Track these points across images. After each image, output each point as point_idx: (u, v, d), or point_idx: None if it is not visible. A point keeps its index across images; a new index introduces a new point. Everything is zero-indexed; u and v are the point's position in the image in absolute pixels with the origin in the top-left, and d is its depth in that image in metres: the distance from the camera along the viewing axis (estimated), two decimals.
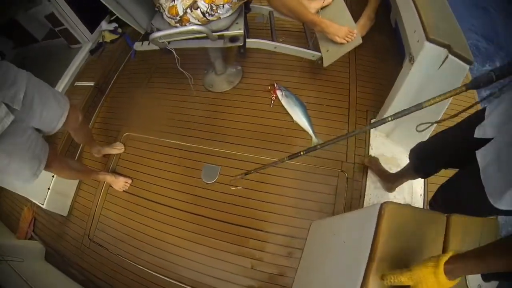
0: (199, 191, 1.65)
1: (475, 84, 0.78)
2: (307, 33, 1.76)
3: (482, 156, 0.80)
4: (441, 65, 1.18)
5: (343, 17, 1.62)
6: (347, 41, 1.55)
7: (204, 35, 1.41)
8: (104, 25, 2.36)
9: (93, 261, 1.67)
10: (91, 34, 2.36)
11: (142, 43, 1.59)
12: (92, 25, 2.36)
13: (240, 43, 1.45)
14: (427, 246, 0.73)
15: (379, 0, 1.86)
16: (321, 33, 1.64)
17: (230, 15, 1.40)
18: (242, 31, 1.46)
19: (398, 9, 1.71)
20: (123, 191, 1.74)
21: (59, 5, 2.22)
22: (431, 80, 1.26)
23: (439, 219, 0.78)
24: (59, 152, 1.81)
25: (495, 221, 0.84)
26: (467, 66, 1.14)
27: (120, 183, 1.71)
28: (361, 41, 1.57)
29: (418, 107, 0.84)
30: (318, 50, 1.68)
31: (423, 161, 1.16)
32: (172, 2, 1.33)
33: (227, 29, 1.46)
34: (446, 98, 0.82)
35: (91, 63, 2.30)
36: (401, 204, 0.78)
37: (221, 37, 1.48)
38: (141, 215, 1.67)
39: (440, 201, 1.06)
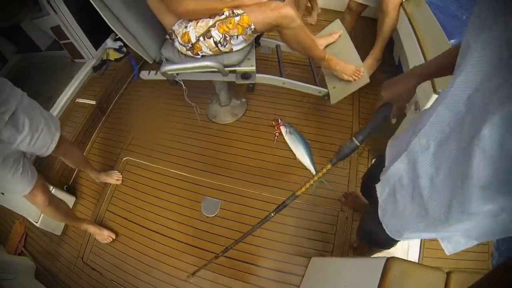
0: (198, 224, 1.64)
1: (342, 155, 0.83)
2: (313, 69, 1.76)
3: (379, 190, 0.73)
4: None
5: (350, 55, 1.64)
6: (354, 79, 1.57)
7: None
8: (109, 42, 2.35)
9: (85, 284, 1.64)
10: (96, 50, 2.35)
11: (149, 72, 1.58)
12: (97, 42, 2.35)
13: (252, 81, 1.45)
14: None
15: (386, 40, 1.87)
16: (327, 70, 1.66)
17: (242, 48, 1.40)
18: (254, 68, 1.46)
19: (402, 46, 1.73)
20: (120, 216, 1.71)
21: (66, 19, 2.21)
22: None
23: (440, 276, 0.78)
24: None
25: None
26: None
27: (103, 236, 1.66)
28: (368, 81, 1.59)
29: None
30: (324, 86, 1.69)
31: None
32: (185, 28, 1.33)
33: (239, 64, 1.45)
34: None
35: (94, 80, 2.29)
36: (406, 260, 0.78)
37: (232, 72, 1.48)
38: (138, 242, 1.65)
39: (361, 234, 1.03)
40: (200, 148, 1.83)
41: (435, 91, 1.16)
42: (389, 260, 0.74)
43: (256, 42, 1.57)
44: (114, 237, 1.67)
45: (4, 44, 2.92)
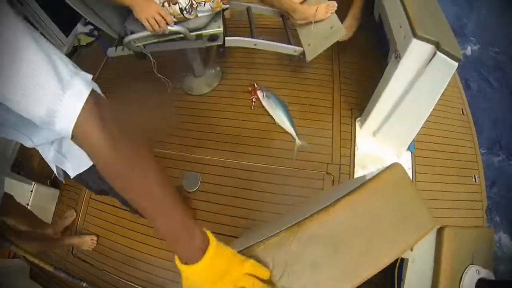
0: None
1: None
2: (287, 28, 1.67)
3: None
4: (429, 62, 1.12)
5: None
6: (331, 14, 1.52)
7: (181, 35, 1.34)
8: (79, 27, 2.27)
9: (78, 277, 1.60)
10: (66, 37, 2.27)
11: (116, 48, 1.51)
12: (67, 28, 2.27)
13: (219, 42, 1.38)
14: None
15: None
16: (301, 26, 1.59)
17: (208, 14, 1.34)
18: (221, 29, 1.39)
19: (382, 2, 1.65)
20: (103, 203, 1.65)
21: (32, 9, 2.13)
22: (418, 77, 1.20)
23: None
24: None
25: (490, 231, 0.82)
26: (456, 64, 1.08)
27: (87, 243, 1.59)
28: (344, 33, 1.54)
29: None
30: (299, 45, 1.61)
31: None
32: None
33: (205, 27, 1.39)
34: None
35: None
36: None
37: (199, 37, 1.40)
38: (124, 227, 1.59)
39: None
40: (178, 122, 1.76)
41: (415, 35, 1.10)
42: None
43: None
44: (96, 239, 1.61)
45: None
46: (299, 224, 0.48)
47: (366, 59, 1.85)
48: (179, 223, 0.47)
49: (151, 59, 1.44)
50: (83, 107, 0.44)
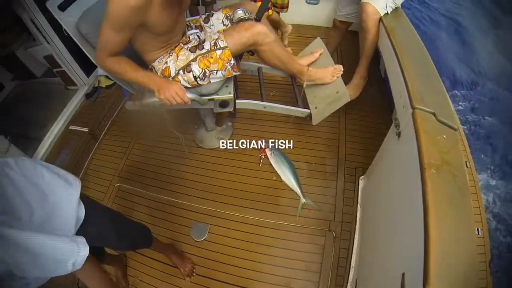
0: (187, 248, 1.65)
1: None
2: (295, 89, 1.77)
3: None
4: None
5: (326, 61, 1.69)
6: (337, 77, 1.62)
7: None
8: (100, 70, 2.40)
9: None
10: (87, 78, 2.41)
11: (134, 103, 1.62)
12: (89, 69, 2.41)
13: (230, 109, 1.47)
14: None
15: (370, 58, 1.89)
16: (309, 87, 1.68)
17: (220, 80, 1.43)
18: (232, 95, 1.48)
19: (383, 59, 1.74)
20: None
21: (58, 48, 2.28)
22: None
23: None
24: None
25: None
26: (454, 132, 1.13)
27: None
28: (349, 99, 1.61)
29: None
30: (307, 106, 1.71)
31: None
32: (165, 64, 1.36)
33: (216, 92, 1.48)
34: None
35: (86, 108, 2.34)
36: None
37: (211, 99, 1.50)
38: (129, 266, 1.65)
39: None
40: (188, 173, 1.85)
41: (413, 107, 1.17)
42: None
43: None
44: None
45: (1, 71, 3.02)
46: None
47: (371, 115, 1.94)
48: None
49: (167, 117, 1.54)
50: None
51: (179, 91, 1.28)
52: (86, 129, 2.20)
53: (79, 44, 1.42)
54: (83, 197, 0.97)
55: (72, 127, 2.30)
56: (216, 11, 1.56)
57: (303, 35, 2.56)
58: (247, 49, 1.43)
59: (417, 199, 0.98)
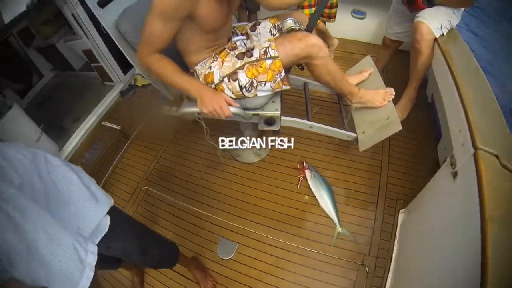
0: (211, 265, 1.58)
1: None
2: (342, 110, 1.67)
3: None
4: None
5: (376, 82, 1.57)
6: (388, 101, 1.49)
7: None
8: (137, 69, 2.39)
9: None
10: (124, 75, 2.40)
11: (171, 108, 1.57)
12: (126, 67, 2.40)
13: (276, 128, 1.38)
14: None
15: (421, 80, 1.77)
16: (357, 110, 1.57)
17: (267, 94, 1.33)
18: (279, 112, 1.38)
19: (437, 83, 1.62)
20: None
21: (96, 43, 2.29)
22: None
23: None
24: None
25: None
26: None
27: None
28: (400, 128, 1.46)
29: None
30: (353, 129, 1.60)
31: None
32: (209, 69, 1.27)
33: (262, 107, 1.39)
34: None
35: (120, 105, 2.33)
36: None
37: (255, 114, 1.42)
38: (148, 274, 1.60)
39: None
40: (221, 186, 1.78)
41: (475, 148, 1.05)
42: None
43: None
44: None
45: (41, 61, 3.11)
46: None
47: (416, 142, 1.81)
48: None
49: (204, 126, 1.43)
50: None
51: (223, 104, 1.19)
52: (118, 127, 2.18)
53: (116, 42, 1.38)
54: (112, 210, 0.92)
55: (104, 123, 2.29)
56: (262, 20, 1.48)
57: (349, 51, 2.45)
58: (299, 61, 1.32)
59: (470, 252, 0.87)
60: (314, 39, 1.23)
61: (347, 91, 1.50)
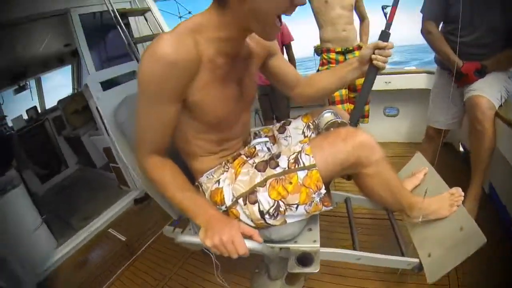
0: None
1: None
2: (395, 229, 1.24)
3: None
4: None
5: (435, 184, 1.17)
6: (457, 206, 1.04)
7: None
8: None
9: None
10: (140, 182, 2.26)
11: (174, 230, 1.26)
12: None
13: (314, 269, 0.94)
14: None
15: (487, 170, 1.39)
16: (414, 227, 1.15)
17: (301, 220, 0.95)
18: (318, 245, 0.99)
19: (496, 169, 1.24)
20: None
21: (115, 142, 2.20)
22: None
23: None
24: None
25: None
26: None
27: None
28: (485, 240, 0.94)
29: None
30: (412, 252, 1.10)
31: None
32: (216, 184, 0.91)
33: (294, 238, 1.02)
34: None
35: (132, 214, 2.11)
36: None
37: (285, 249, 1.03)
38: None
39: None
40: None
41: None
42: None
43: None
44: None
45: (69, 152, 3.20)
46: None
47: (488, 256, 1.22)
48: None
49: (214, 260, 0.96)
50: None
51: (237, 239, 0.76)
52: (124, 238, 1.90)
53: (110, 133, 1.16)
54: None
55: (111, 230, 2.05)
56: (294, 118, 1.18)
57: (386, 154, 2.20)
58: (345, 171, 0.94)
59: None
60: (363, 136, 0.88)
61: (407, 204, 1.08)
